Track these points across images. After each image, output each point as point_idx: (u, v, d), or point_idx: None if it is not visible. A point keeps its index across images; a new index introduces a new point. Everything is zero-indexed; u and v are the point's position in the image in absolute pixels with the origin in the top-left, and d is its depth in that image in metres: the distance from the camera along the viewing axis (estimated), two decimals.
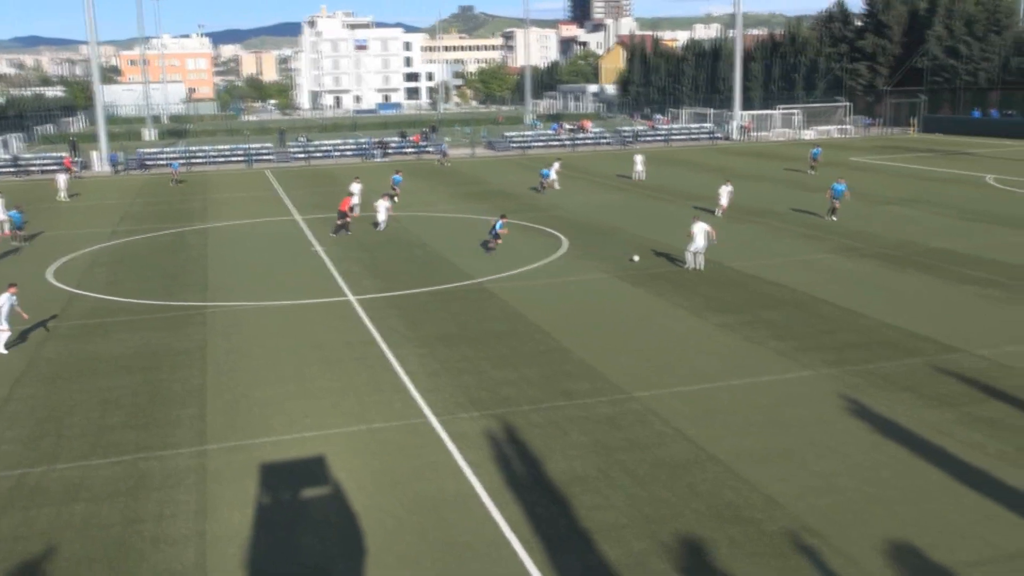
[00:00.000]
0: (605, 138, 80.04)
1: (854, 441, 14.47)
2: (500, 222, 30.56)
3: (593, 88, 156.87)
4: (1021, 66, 78.62)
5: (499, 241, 30.48)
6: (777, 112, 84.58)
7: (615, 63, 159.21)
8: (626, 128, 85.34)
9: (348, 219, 34.98)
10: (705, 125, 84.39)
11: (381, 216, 35.82)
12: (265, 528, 12.31)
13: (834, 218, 35.23)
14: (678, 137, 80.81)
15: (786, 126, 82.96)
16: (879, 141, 75.07)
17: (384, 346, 20.14)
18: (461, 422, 15.60)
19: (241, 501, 13.05)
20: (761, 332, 20.54)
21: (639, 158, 51.61)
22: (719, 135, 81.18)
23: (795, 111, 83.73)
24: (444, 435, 15.09)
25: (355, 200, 37.30)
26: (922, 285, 24.82)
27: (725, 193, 37.28)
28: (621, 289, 25.16)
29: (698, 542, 11.63)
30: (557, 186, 47.26)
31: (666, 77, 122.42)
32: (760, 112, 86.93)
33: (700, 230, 27.08)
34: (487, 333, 20.95)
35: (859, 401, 16.17)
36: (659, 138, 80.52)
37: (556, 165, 49.13)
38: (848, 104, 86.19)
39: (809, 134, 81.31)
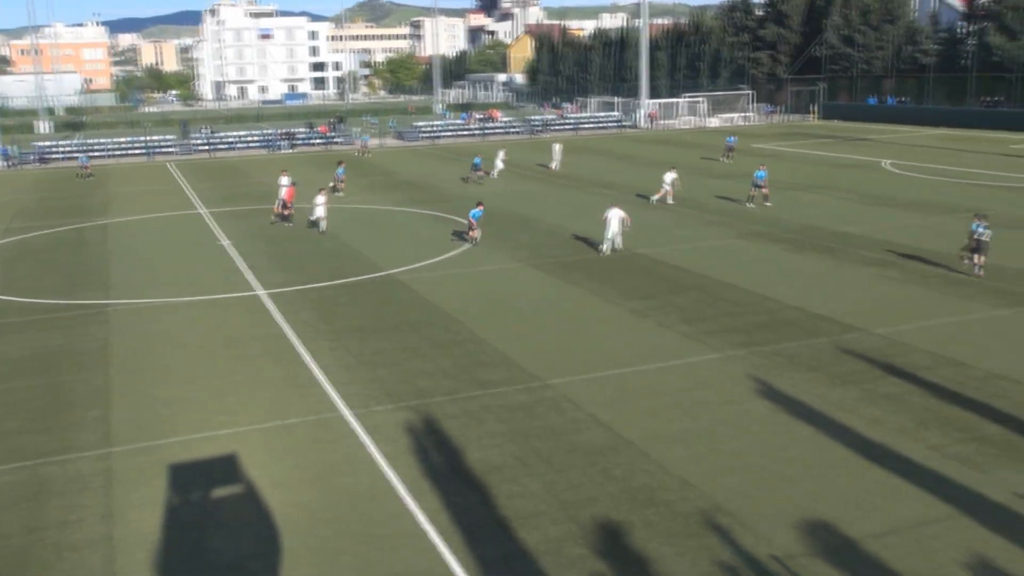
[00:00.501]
0: (515, 127, 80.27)
1: (762, 420, 14.87)
2: (477, 210, 29.61)
3: (502, 77, 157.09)
4: (913, 55, 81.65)
5: (475, 233, 29.56)
6: (683, 100, 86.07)
7: (523, 52, 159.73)
8: (536, 117, 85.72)
9: (290, 211, 34.81)
10: (613, 113, 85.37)
11: (319, 212, 32.52)
12: (175, 530, 12.02)
13: (751, 205, 35.83)
14: (587, 126, 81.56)
15: (692, 114, 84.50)
16: (781, 128, 77.08)
17: (296, 340, 19.85)
18: (376, 415, 15.50)
19: (150, 504, 12.72)
20: (671, 317, 20.90)
21: (557, 147, 51.83)
22: (627, 123, 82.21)
23: (700, 99, 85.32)
24: (359, 428, 14.96)
25: (283, 195, 35.95)
26: (824, 268, 25.59)
27: (668, 180, 37.31)
28: (535, 278, 25.30)
29: (614, 525, 11.80)
30: (495, 175, 46.79)
31: (574, 66, 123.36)
32: (666, 100, 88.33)
33: (615, 216, 27.76)
34: (401, 324, 20.83)
35: (766, 381, 16.61)
36: (568, 127, 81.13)
37: (502, 154, 48.78)
38: (751, 92, 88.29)
39: (714, 122, 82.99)
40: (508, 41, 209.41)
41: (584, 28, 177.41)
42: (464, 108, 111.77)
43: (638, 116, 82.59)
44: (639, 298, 22.66)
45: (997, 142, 59.30)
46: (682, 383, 16.67)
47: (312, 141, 72.22)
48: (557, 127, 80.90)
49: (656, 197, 37.44)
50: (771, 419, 14.92)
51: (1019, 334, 19.11)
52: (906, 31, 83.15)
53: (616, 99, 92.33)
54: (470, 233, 29.78)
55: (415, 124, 78.73)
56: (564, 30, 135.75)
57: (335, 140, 72.63)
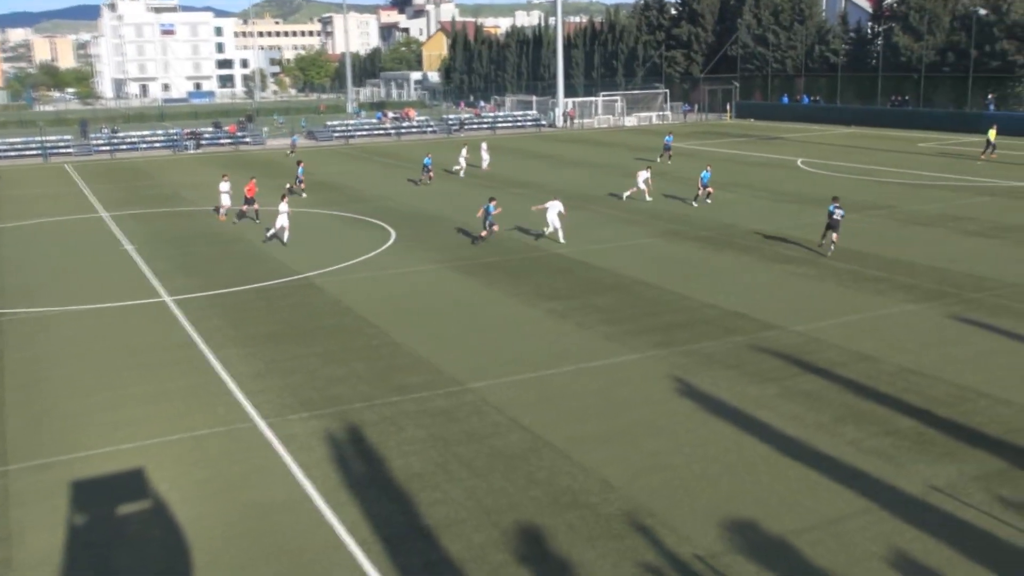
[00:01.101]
0: (431, 126, 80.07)
1: (682, 420, 15.09)
2: (491, 205, 29.33)
3: (416, 75, 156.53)
4: (824, 54, 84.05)
5: (495, 228, 29.53)
6: (599, 99, 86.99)
7: (438, 50, 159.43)
8: (451, 116, 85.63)
9: (256, 207, 34.78)
10: (530, 112, 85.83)
11: (283, 222, 30.07)
12: (79, 550, 11.62)
13: (695, 203, 36.53)
14: (504, 125, 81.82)
15: (608, 113, 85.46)
16: (697, 127, 78.54)
17: (205, 348, 19.41)
18: (291, 424, 15.24)
19: (50, 523, 12.27)
20: (591, 317, 21.08)
21: (483, 145, 51.89)
22: (544, 122, 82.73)
23: (617, 98, 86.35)
24: (273, 438, 14.69)
25: (225, 201, 34.99)
26: (740, 266, 26.13)
27: (642, 179, 37.90)
28: (453, 280, 25.24)
29: (537, 530, 11.82)
30: (462, 174, 47.27)
31: (489, 64, 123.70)
32: (583, 99, 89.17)
33: (553, 208, 29.58)
34: (315, 329, 20.56)
35: (686, 380, 16.87)
36: (485, 126, 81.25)
37: (464, 151, 48.81)
38: (666, 91, 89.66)
39: (631, 121, 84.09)
40: (422, 38, 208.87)
41: (499, 26, 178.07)
42: (378, 107, 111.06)
43: (555, 115, 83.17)
44: (559, 299, 22.79)
45: (905, 140, 61.45)
46: (603, 384, 16.81)
47: (220, 141, 70.80)
48: (474, 126, 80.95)
49: (628, 193, 38.32)
50: (691, 418, 15.15)
51: (928, 329, 19.81)
52: (817, 31, 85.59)
53: (533, 98, 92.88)
54: (492, 228, 29.34)
55: (327, 123, 77.88)
56: (479, 28, 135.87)
57: (244, 140, 71.34)
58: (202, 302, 23.26)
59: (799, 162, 50.29)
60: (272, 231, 30.48)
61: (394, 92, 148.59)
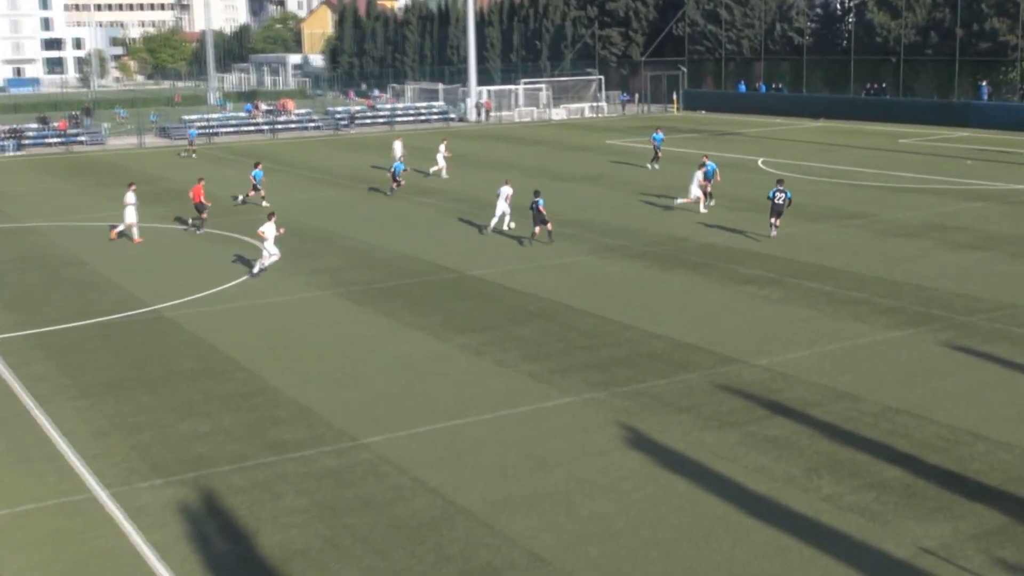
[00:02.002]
0: (313, 121, 79.72)
1: (627, 475, 15.17)
2: (539, 200, 31.53)
3: (295, 59, 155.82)
4: (787, 34, 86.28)
5: (549, 226, 31.65)
6: (520, 87, 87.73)
7: (321, 28, 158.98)
8: (339, 109, 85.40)
9: (205, 214, 35.56)
10: (436, 104, 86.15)
11: (272, 252, 28.77)
12: None
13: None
14: (404, 119, 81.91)
15: (532, 104, 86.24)
16: (638, 120, 79.75)
17: (29, 401, 18.90)
18: (140, 493, 14.90)
19: None
20: (513, 353, 21.12)
21: (398, 144, 51.81)
22: (453, 116, 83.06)
23: (542, 86, 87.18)
24: (118, 513, 14.35)
25: (130, 217, 34.02)
26: (693, 287, 26.50)
27: (699, 179, 37.49)
28: (342, 309, 25.05)
29: None
30: (445, 174, 47.90)
31: (385, 45, 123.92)
32: (501, 88, 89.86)
33: (503, 194, 33.59)
34: (171, 375, 20.20)
35: (630, 427, 16.98)
36: (381, 120, 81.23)
37: (442, 147, 49.31)
38: (601, 78, 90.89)
39: (559, 113, 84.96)
40: (302, 14, 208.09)
41: None
42: (249, 97, 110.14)
43: (467, 107, 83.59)
44: (473, 331, 22.79)
45: (883, 135, 63.33)
46: (529, 434, 16.81)
47: (47, 140, 69.32)
48: (367, 120, 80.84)
49: (681, 200, 37.79)
50: (638, 473, 15.25)
51: (914, 360, 20.34)
52: (778, 6, 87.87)
53: (440, 86, 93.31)
54: (548, 226, 31.64)
55: (184, 118, 76.91)
56: (372, 1, 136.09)
57: (78, 139, 69.98)
58: (23, 343, 22.69)
59: (760, 162, 51.40)
60: (262, 264, 28.89)
61: (268, 79, 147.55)
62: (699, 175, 37.46)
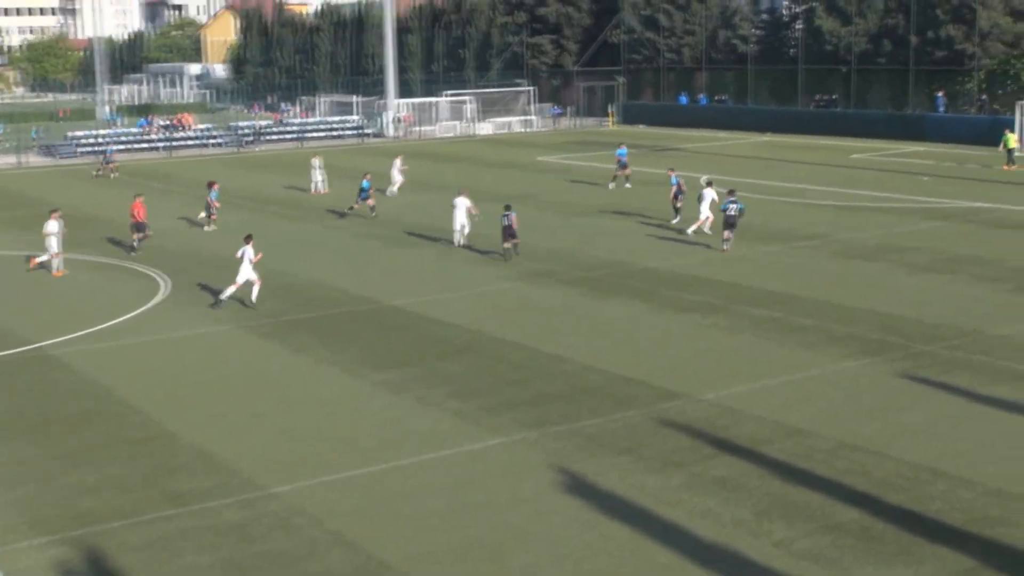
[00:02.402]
0: (215, 137, 79.11)
1: (563, 523, 15.15)
2: (510, 213, 33.19)
3: (195, 69, 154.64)
4: (731, 42, 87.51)
5: (515, 242, 33.22)
6: (444, 100, 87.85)
7: (224, 35, 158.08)
8: (244, 123, 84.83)
9: (146, 234, 36.13)
10: (351, 118, 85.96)
11: (249, 275, 28.28)
12: None
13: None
14: (315, 134, 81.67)
15: (455, 118, 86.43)
16: (571, 135, 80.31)
17: None
18: (20, 554, 14.59)
19: None
20: (436, 390, 21.05)
21: (316, 162, 52.17)
22: (370, 131, 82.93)
23: (466, 98, 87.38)
24: None
25: (53, 246, 33.27)
26: (633, 315, 26.64)
27: (709, 200, 36.84)
28: (246, 345, 24.84)
29: None
30: (395, 190, 49.44)
31: (295, 54, 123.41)
32: (422, 100, 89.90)
33: (460, 205, 35.30)
34: (54, 420, 19.87)
35: (566, 470, 16.98)
36: (289, 135, 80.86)
37: (398, 163, 50.66)
38: (531, 89, 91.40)
39: (486, 128, 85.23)
40: (202, 20, 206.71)
41: (307, 3, 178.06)
42: (143, 111, 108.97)
43: (384, 121, 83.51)
44: (392, 366, 22.68)
45: (835, 150, 64.47)
46: (455, 479, 16.74)
47: None
48: (274, 136, 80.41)
49: (693, 228, 36.66)
50: (575, 520, 15.23)
51: (870, 392, 20.62)
52: (721, 12, 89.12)
53: (355, 99, 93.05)
54: (514, 241, 33.39)
55: (70, 134, 75.88)
56: (280, 6, 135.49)
57: None
58: None
59: (703, 180, 51.82)
60: (231, 291, 28.36)
61: (164, 91, 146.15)
62: (709, 194, 36.78)
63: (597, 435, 18.49)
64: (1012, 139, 55.94)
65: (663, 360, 22.79)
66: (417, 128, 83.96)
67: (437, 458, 17.63)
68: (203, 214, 42.14)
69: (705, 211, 36.52)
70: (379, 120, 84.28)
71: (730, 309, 26.93)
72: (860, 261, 32.42)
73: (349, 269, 32.88)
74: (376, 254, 35.46)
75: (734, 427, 18.75)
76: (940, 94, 72.71)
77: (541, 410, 19.78)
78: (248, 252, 28.21)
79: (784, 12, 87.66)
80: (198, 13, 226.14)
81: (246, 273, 28.09)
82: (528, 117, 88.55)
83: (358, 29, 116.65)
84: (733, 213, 32.74)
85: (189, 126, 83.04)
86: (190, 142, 77.80)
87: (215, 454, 17.98)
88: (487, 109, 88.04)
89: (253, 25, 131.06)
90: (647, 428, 18.79)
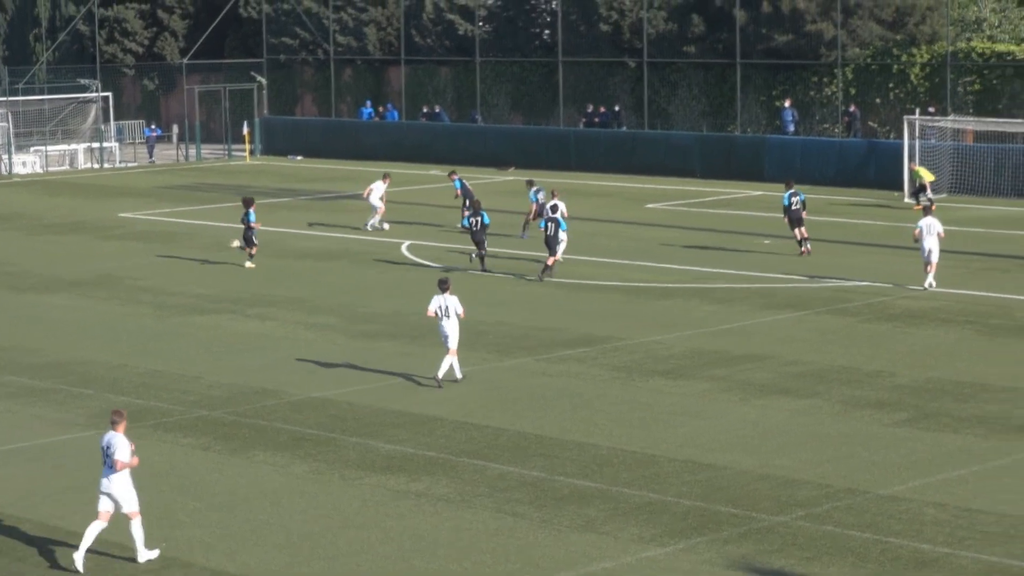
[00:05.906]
0: None
1: None
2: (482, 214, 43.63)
3: None
4: (444, 17, 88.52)
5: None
6: None
7: None
8: None
9: None
10: None
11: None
12: None
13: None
14: None
15: None
16: (180, 174, 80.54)
17: None
18: None
19: None
20: None
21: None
22: None
23: None
24: None
25: None
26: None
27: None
28: None
29: None
30: (384, 224, 56.40)
31: None
32: None
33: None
34: None
35: None
36: None
37: (383, 187, 56.98)
38: (108, 95, 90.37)
39: (24, 164, 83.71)
40: None
41: None
42: None
43: None
44: None
45: (619, 196, 66.25)
46: None
47: None
48: None
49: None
50: None
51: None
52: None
53: None
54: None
55: None
56: None
57: None
58: None
59: (404, 248, 51.81)
60: None
61: None
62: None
63: None
64: (925, 173, 57.41)
65: None
66: None
67: None
68: (237, 243, 47.47)
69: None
70: None
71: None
72: (661, 378, 32.25)
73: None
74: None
75: None
76: (788, 105, 73.42)
77: None
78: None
79: None
80: None
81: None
82: (104, 144, 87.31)
83: None
84: (797, 207, 40.50)
85: None
86: None
87: None
88: (30, 131, 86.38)
89: None
90: None
